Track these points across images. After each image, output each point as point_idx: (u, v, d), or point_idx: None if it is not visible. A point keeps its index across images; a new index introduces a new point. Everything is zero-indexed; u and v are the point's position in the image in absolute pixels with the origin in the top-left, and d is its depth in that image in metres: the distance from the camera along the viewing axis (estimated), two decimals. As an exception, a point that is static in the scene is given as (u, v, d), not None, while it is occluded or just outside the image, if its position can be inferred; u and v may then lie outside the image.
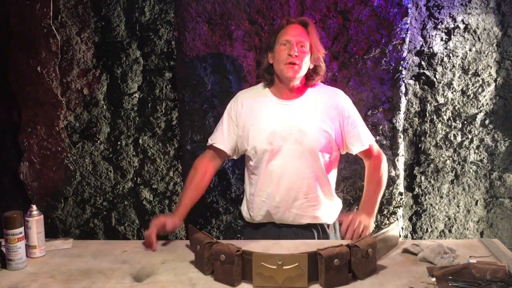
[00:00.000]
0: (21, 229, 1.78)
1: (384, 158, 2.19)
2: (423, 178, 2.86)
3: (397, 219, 2.67)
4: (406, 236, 2.88)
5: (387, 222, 2.68)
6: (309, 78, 2.09)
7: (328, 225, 2.15)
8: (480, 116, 2.82)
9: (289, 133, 2.04)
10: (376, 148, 2.19)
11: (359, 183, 2.64)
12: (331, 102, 2.10)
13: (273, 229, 2.13)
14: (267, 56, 2.10)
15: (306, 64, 2.04)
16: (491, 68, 2.78)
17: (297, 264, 1.58)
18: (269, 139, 2.04)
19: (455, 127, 2.82)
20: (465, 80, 2.78)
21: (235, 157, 2.22)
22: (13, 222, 1.76)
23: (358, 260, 1.62)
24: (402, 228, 2.77)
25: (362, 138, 2.12)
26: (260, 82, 2.19)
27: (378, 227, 2.68)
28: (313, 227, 2.12)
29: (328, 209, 2.14)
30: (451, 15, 2.72)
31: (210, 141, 2.19)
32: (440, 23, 2.72)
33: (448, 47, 2.74)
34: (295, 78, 2.03)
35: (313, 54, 2.05)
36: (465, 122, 2.82)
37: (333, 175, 2.18)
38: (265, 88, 2.14)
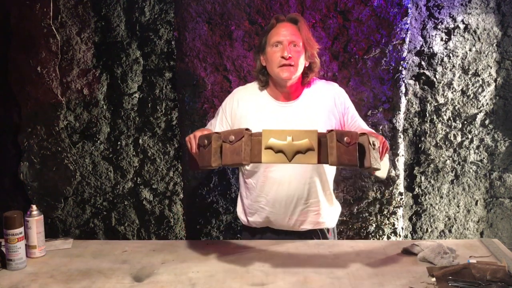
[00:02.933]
0: (21, 229, 1.78)
1: None
2: (423, 178, 2.86)
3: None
4: (406, 236, 2.88)
5: (387, 222, 2.68)
6: (304, 76, 2.02)
7: (328, 230, 2.10)
8: (480, 116, 2.82)
9: None
10: None
11: (359, 183, 2.64)
12: (328, 99, 2.03)
13: (271, 236, 2.06)
14: (259, 58, 2.02)
15: (301, 63, 1.96)
16: (491, 68, 2.78)
17: (307, 139, 1.55)
18: None
19: (455, 127, 2.82)
20: (465, 80, 2.78)
21: None
22: (13, 222, 1.76)
23: (366, 148, 1.59)
24: (402, 228, 2.78)
25: (364, 129, 2.05)
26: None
27: (378, 227, 2.68)
28: (313, 233, 2.06)
29: (329, 213, 2.08)
30: (451, 15, 2.72)
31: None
32: (440, 23, 2.72)
33: (448, 47, 2.74)
34: (291, 79, 1.95)
35: (307, 52, 1.97)
36: (465, 122, 2.82)
37: (333, 177, 2.13)
38: (261, 89, 2.06)
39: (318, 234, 2.07)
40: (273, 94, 2.03)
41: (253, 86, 2.11)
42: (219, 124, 2.07)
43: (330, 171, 2.06)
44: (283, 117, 1.99)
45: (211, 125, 2.13)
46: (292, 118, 1.99)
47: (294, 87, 2.01)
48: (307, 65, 2.01)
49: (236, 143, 1.57)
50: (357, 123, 2.06)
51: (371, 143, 1.61)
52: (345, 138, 1.55)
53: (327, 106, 2.02)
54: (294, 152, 1.54)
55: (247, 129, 1.61)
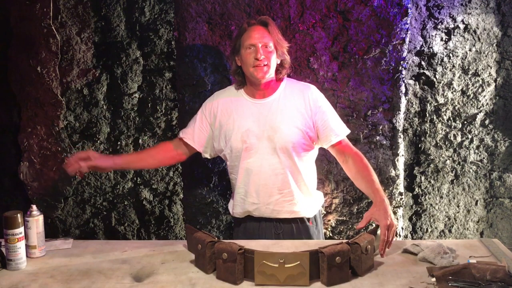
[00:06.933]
0: (21, 229, 1.78)
1: (361, 154, 2.16)
2: (423, 178, 2.86)
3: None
4: (406, 236, 2.88)
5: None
6: (277, 73, 2.16)
7: (308, 219, 2.21)
8: (480, 116, 2.82)
9: (262, 131, 2.10)
10: (351, 144, 2.20)
11: (359, 183, 2.64)
12: (302, 97, 2.15)
13: (252, 223, 2.20)
14: (234, 59, 2.17)
15: (274, 62, 2.12)
16: (491, 68, 2.78)
17: (298, 262, 1.59)
18: (243, 137, 2.11)
19: (455, 127, 2.82)
20: (465, 80, 2.78)
21: (208, 156, 2.29)
22: (13, 222, 1.76)
23: (358, 257, 1.63)
24: (402, 228, 2.78)
25: (335, 129, 2.14)
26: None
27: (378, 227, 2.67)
28: (292, 221, 2.17)
29: (306, 204, 2.18)
30: (451, 15, 2.72)
31: (180, 134, 2.29)
32: (440, 23, 2.72)
33: (448, 47, 2.74)
34: (265, 78, 2.10)
35: (278, 51, 2.12)
36: (465, 122, 2.82)
37: (310, 170, 2.21)
38: (238, 86, 2.21)
39: (297, 222, 2.19)
40: (250, 92, 2.19)
41: (231, 87, 2.28)
42: (198, 126, 2.24)
43: (302, 164, 2.16)
44: (259, 114, 2.13)
45: (188, 126, 2.27)
46: (267, 114, 2.13)
47: (268, 84, 2.15)
48: (278, 63, 2.16)
49: (229, 263, 1.63)
50: (328, 122, 2.13)
51: (363, 250, 1.65)
52: (336, 259, 1.60)
53: (298, 104, 2.14)
54: (286, 276, 1.60)
55: (240, 249, 1.63)
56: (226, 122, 2.16)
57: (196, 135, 2.24)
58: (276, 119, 2.11)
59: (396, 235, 2.71)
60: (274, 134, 2.10)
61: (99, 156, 2.20)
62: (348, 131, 2.20)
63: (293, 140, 2.10)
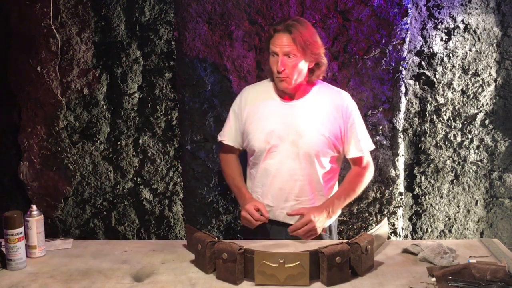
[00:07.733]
0: (21, 229, 1.78)
1: (371, 170, 2.17)
2: (423, 178, 2.86)
3: (385, 215, 2.65)
4: (406, 236, 2.88)
5: (387, 222, 2.68)
6: (310, 75, 2.05)
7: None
8: (480, 116, 2.82)
9: (287, 134, 2.03)
10: (367, 158, 2.16)
11: (359, 183, 2.64)
12: (334, 104, 2.07)
13: (264, 226, 2.10)
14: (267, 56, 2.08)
15: (298, 72, 1.99)
16: (491, 68, 2.78)
17: (298, 262, 1.59)
18: (267, 138, 2.05)
19: (455, 127, 2.82)
20: (465, 80, 2.78)
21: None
22: (13, 222, 1.76)
23: (358, 257, 1.63)
24: (402, 228, 2.78)
25: (361, 144, 2.09)
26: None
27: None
28: None
29: None
30: (451, 15, 2.72)
31: (219, 137, 2.22)
32: (440, 23, 2.72)
33: (448, 47, 2.74)
34: (288, 89, 2.02)
35: (307, 57, 1.98)
36: (465, 122, 2.82)
37: (331, 182, 2.14)
38: (270, 83, 2.12)
39: None
40: (279, 91, 2.09)
41: (262, 82, 2.20)
42: (234, 125, 2.16)
43: (323, 174, 2.08)
44: (285, 115, 2.05)
45: (225, 127, 2.20)
46: (294, 117, 2.05)
47: (298, 87, 2.05)
48: (311, 67, 2.03)
49: (229, 263, 1.62)
50: (356, 135, 2.08)
51: (363, 250, 1.65)
52: (336, 259, 1.59)
53: (329, 111, 2.05)
54: (286, 276, 1.60)
55: (240, 249, 1.63)
56: (252, 120, 2.09)
57: (234, 135, 2.17)
58: (302, 124, 2.03)
59: (396, 235, 2.71)
60: (298, 139, 2.02)
61: (254, 200, 2.08)
62: (372, 147, 2.14)
63: (317, 148, 2.02)
